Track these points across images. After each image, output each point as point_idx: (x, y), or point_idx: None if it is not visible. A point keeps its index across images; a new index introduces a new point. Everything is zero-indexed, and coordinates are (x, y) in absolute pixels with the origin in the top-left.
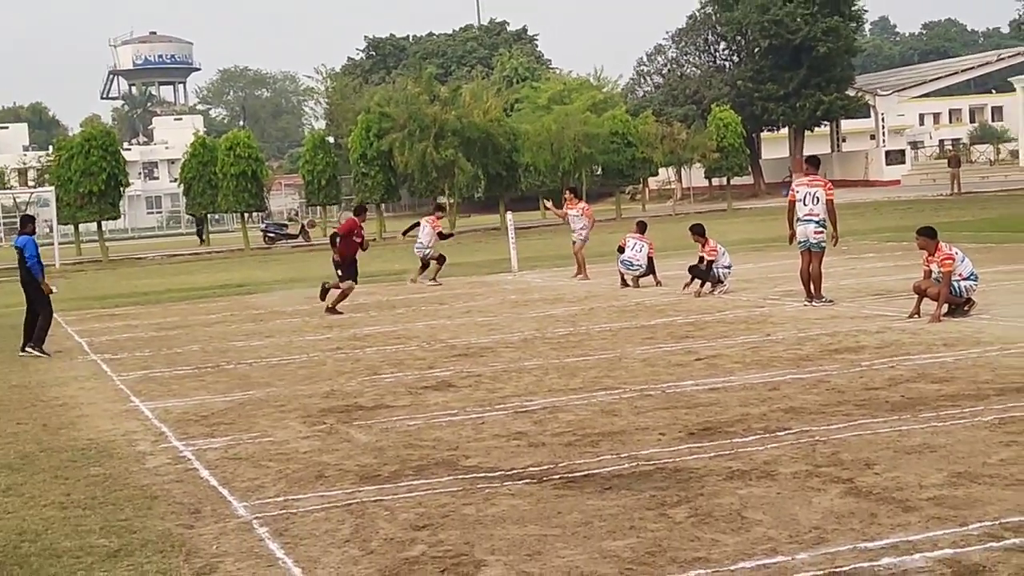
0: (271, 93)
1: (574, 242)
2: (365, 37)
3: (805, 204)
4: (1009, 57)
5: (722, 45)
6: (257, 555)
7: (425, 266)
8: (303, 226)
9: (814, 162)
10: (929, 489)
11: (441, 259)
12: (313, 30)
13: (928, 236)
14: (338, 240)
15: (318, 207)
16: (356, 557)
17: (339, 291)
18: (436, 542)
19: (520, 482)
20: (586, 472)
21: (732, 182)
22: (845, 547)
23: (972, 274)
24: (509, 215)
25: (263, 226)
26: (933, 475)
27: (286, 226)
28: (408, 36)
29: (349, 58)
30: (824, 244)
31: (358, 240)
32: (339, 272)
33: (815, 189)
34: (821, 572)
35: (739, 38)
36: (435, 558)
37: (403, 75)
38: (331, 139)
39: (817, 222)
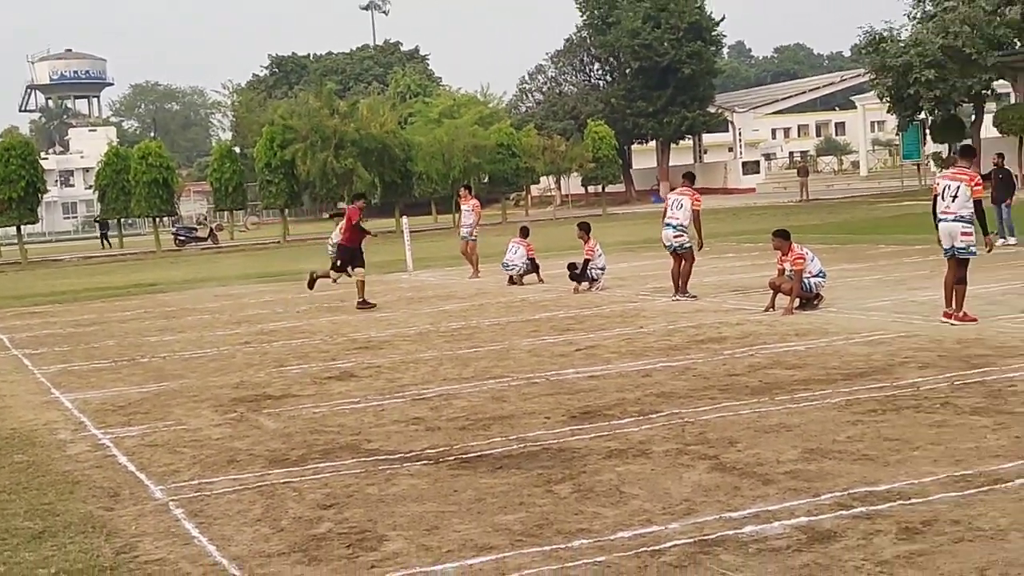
0: (180, 106)
1: (463, 239)
2: (269, 55)
3: (673, 209)
4: (850, 78)
5: (596, 66)
6: (174, 534)
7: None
8: (211, 229)
9: (690, 177)
10: (786, 464)
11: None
12: (220, 48)
13: (782, 238)
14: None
15: (225, 212)
16: (267, 535)
17: (357, 286)
18: (341, 520)
19: (418, 463)
20: (479, 453)
21: (606, 189)
22: (712, 517)
23: (820, 271)
24: (404, 219)
25: (174, 229)
26: (789, 451)
27: (195, 229)
28: (309, 54)
29: (254, 74)
30: (688, 246)
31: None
32: (338, 263)
33: (682, 198)
34: (691, 540)
35: (612, 60)
36: (341, 534)
37: (305, 90)
38: (237, 149)
39: (676, 226)
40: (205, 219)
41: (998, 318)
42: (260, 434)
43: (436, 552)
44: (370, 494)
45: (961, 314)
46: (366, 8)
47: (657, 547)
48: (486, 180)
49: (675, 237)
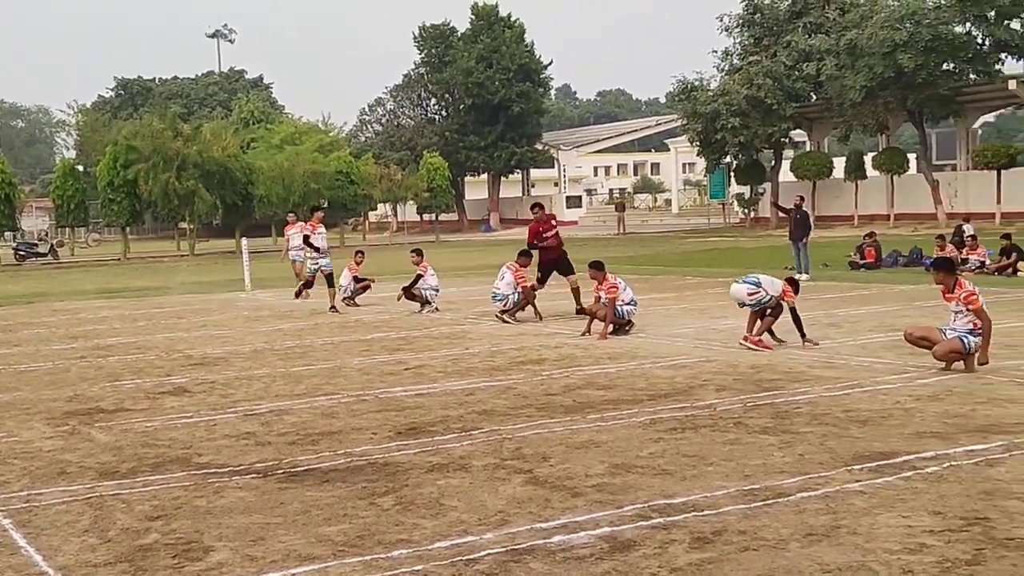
0: (25, 124)
1: (294, 261)
2: (115, 77)
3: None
4: (665, 123)
5: (433, 101)
6: (1, 545)
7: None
8: (52, 245)
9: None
10: (593, 478)
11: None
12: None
13: (597, 268)
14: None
15: (67, 228)
16: (94, 545)
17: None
18: (169, 531)
19: (247, 476)
20: (307, 467)
21: (440, 218)
22: (524, 527)
23: (632, 300)
24: (244, 240)
25: (14, 244)
26: (597, 466)
27: (36, 245)
28: (155, 78)
29: (100, 95)
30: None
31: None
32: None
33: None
34: (503, 549)
35: (447, 96)
36: (167, 545)
37: (149, 112)
38: (81, 167)
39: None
40: (46, 235)
41: (788, 346)
42: (91, 447)
43: (260, 562)
44: (198, 506)
45: (756, 339)
46: (212, 36)
47: (472, 556)
48: (325, 205)
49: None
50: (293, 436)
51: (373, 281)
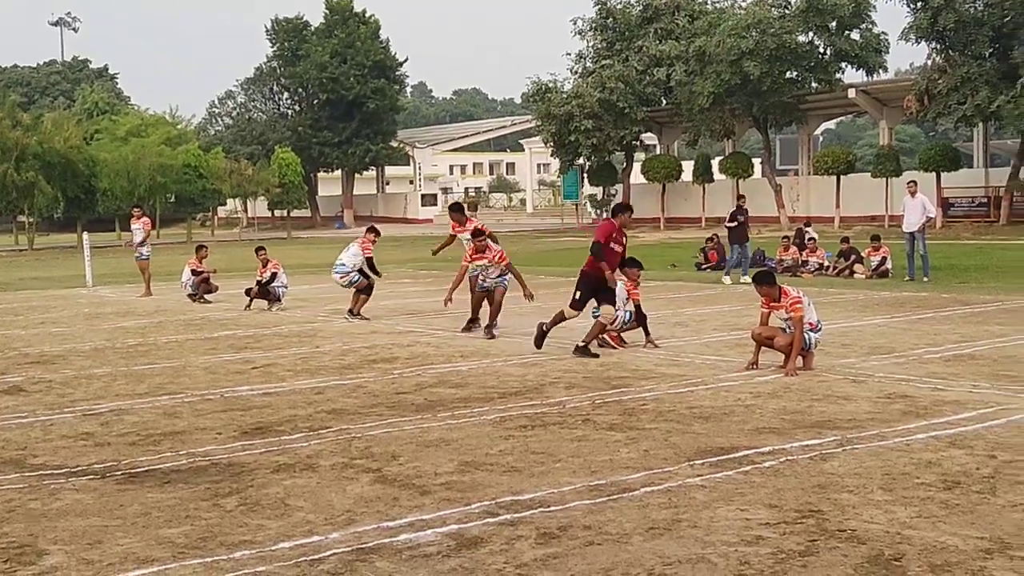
0: None
1: (138, 257)
2: None
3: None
4: (520, 123)
5: (286, 95)
6: None
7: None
8: None
9: (457, 208)
10: (443, 476)
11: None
12: None
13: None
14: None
15: None
16: None
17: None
18: (1, 535)
19: (85, 478)
20: (147, 468)
21: (292, 214)
22: (371, 526)
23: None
24: (86, 235)
25: None
26: (446, 464)
27: None
28: None
29: None
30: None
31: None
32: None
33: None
34: (349, 548)
35: (301, 90)
36: None
37: None
38: None
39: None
40: None
41: (636, 343)
42: None
43: (97, 565)
44: (33, 509)
45: (615, 334)
46: (55, 24)
47: (317, 556)
48: (172, 200)
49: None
50: (134, 436)
51: (213, 272)
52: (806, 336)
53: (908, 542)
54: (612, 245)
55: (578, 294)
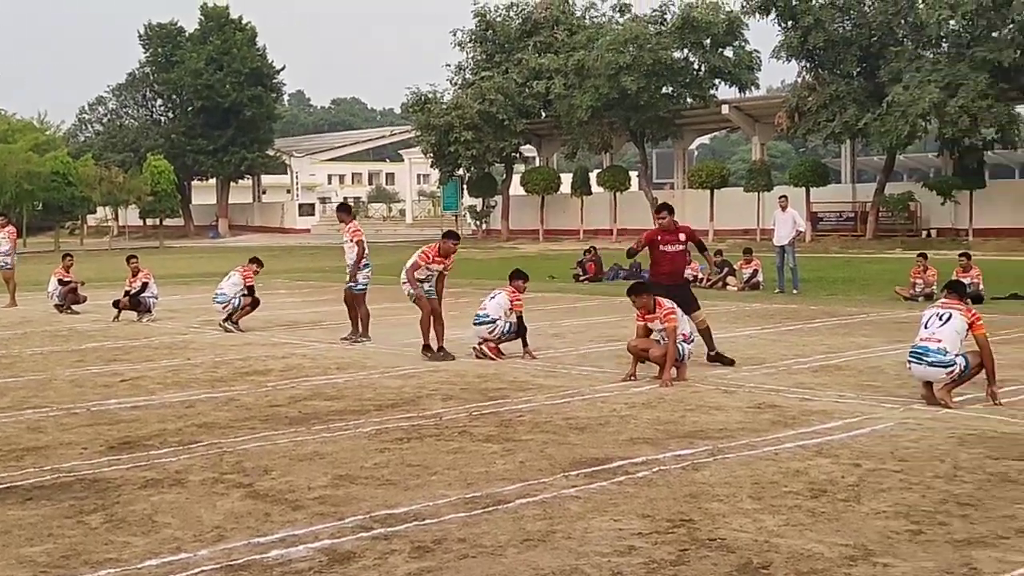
0: None
1: (2, 267)
2: None
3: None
4: (400, 133)
5: (159, 102)
6: None
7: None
8: None
9: (345, 209)
10: (316, 490)
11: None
12: None
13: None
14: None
15: None
16: None
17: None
18: None
19: None
20: (8, 485)
21: (165, 223)
22: (241, 543)
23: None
24: None
25: None
26: (320, 478)
27: None
28: None
29: None
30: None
31: None
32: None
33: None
34: (218, 565)
35: (175, 97)
36: None
37: None
38: None
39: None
40: None
41: (514, 355)
42: None
43: None
44: None
45: (494, 346)
46: None
47: (185, 574)
48: (40, 207)
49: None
50: None
51: (81, 283)
52: (679, 347)
53: (776, 550)
54: (663, 248)
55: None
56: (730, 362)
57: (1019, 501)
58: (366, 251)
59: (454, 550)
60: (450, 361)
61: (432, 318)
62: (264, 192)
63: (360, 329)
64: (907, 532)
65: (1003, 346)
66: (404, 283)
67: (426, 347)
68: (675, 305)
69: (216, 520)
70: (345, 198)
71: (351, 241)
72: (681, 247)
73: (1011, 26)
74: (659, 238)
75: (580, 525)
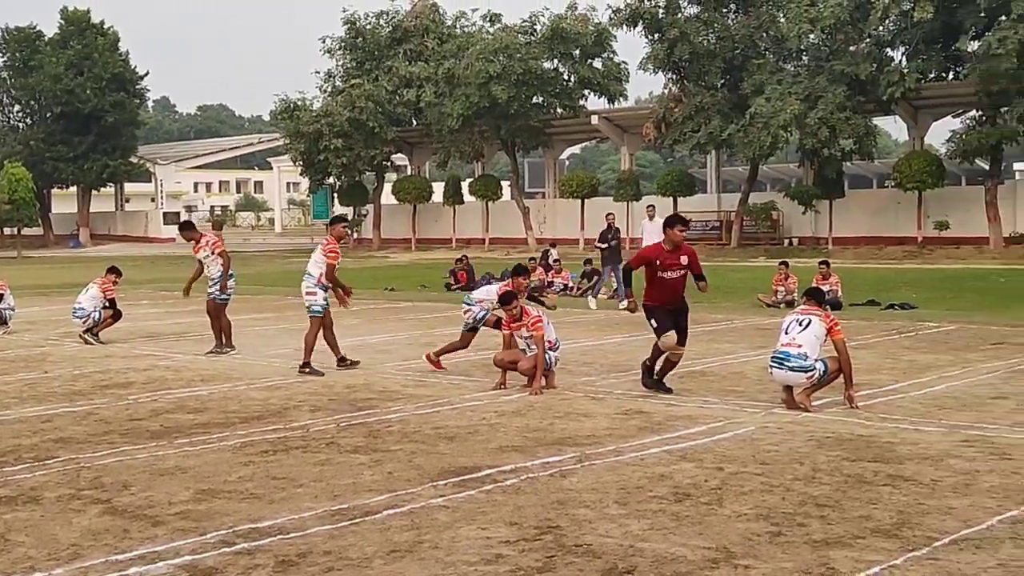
0: None
1: None
2: None
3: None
4: (268, 141)
5: (16, 108)
6: None
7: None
8: None
9: (340, 219)
10: (177, 505)
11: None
12: None
13: (507, 302)
14: None
15: None
16: None
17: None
18: None
19: None
20: None
21: (23, 232)
22: (98, 560)
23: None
24: None
25: None
26: (182, 493)
27: None
28: None
29: None
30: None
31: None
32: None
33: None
34: None
35: (33, 103)
36: None
37: None
38: None
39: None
40: None
41: (384, 364)
42: None
43: None
44: None
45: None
46: None
47: None
48: None
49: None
50: None
51: None
52: (547, 355)
53: (640, 554)
54: (663, 274)
55: (654, 323)
56: (668, 390)
57: (874, 501)
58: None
59: (319, 563)
60: (355, 368)
61: (324, 329)
62: (127, 200)
63: (224, 340)
64: (767, 533)
65: (860, 351)
66: (311, 293)
67: (305, 364)
68: (542, 312)
69: (72, 537)
70: (212, 207)
71: (213, 255)
72: (682, 273)
73: (867, 40)
74: (659, 261)
75: (448, 534)
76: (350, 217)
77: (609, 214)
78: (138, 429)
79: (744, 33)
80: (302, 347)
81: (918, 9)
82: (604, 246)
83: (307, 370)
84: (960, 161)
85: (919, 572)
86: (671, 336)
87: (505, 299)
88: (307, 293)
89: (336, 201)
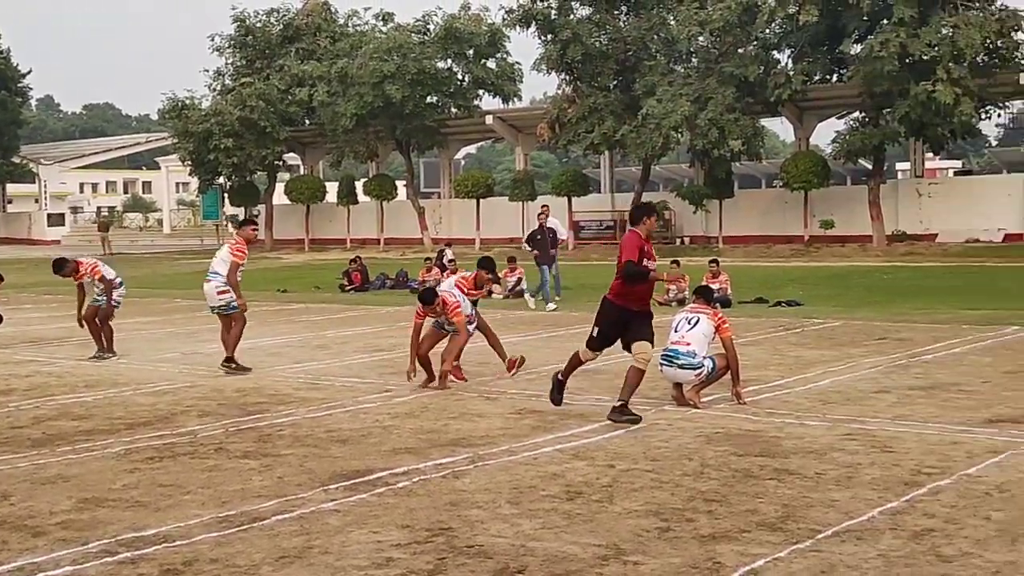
0: None
1: None
2: None
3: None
4: (156, 140)
5: None
6: None
7: None
8: None
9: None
10: (59, 515)
11: None
12: None
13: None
14: None
15: None
16: None
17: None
18: None
19: None
20: None
21: None
22: None
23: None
24: None
25: None
26: (64, 502)
27: None
28: None
29: None
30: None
31: None
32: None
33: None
34: None
35: None
36: None
37: None
38: None
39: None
40: None
41: (276, 367)
42: None
43: None
44: None
45: (233, 365)
46: None
47: None
48: None
49: (220, 294)
50: None
51: None
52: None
53: (532, 554)
54: (646, 262)
55: (595, 330)
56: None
57: (760, 495)
58: (111, 277)
59: (206, 571)
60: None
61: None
62: (10, 202)
63: (105, 345)
64: (656, 530)
65: (748, 347)
66: (224, 292)
67: (229, 359)
68: (457, 296)
69: None
70: (98, 208)
71: (94, 280)
72: (655, 263)
73: (755, 43)
74: (646, 250)
75: (338, 539)
76: (243, 217)
77: (541, 211)
78: (19, 437)
79: (636, 35)
80: (223, 346)
81: (803, 12)
82: (531, 249)
83: (233, 366)
84: (844, 161)
85: (802, 564)
86: (645, 346)
87: (425, 298)
88: (219, 292)
89: (227, 201)
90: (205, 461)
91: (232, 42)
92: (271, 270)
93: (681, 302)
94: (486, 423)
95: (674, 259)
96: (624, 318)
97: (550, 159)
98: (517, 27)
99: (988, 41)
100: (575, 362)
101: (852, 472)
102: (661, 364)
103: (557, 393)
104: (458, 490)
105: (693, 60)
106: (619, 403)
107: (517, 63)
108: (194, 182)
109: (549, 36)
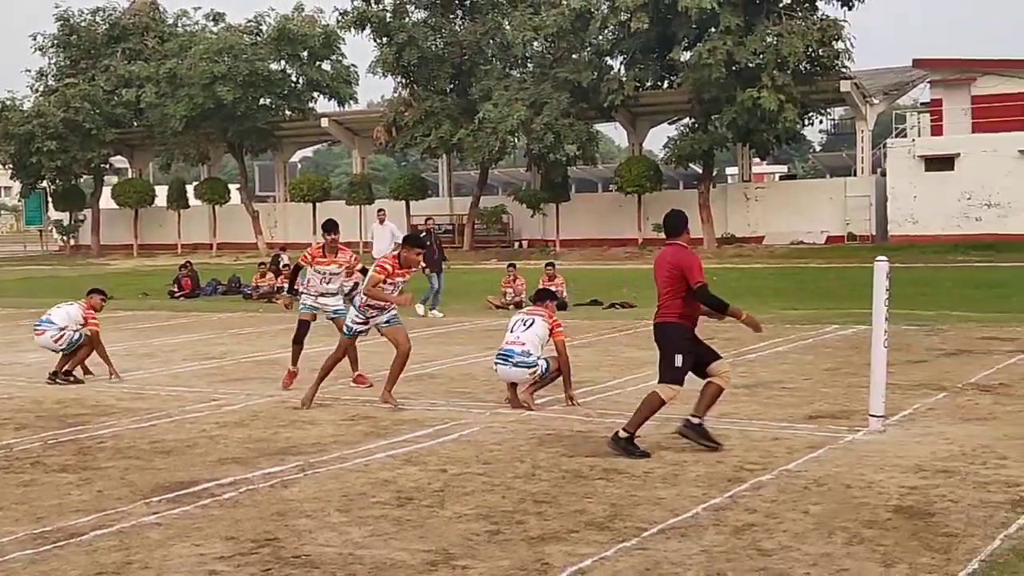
0: None
1: None
2: None
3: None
4: None
5: None
6: None
7: None
8: None
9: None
10: None
11: None
12: None
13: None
14: None
15: None
16: None
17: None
18: None
19: None
20: None
21: None
22: None
23: None
24: None
25: None
26: None
27: None
28: None
29: None
30: None
31: None
32: None
33: None
34: None
35: None
36: None
37: None
38: None
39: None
40: None
41: (98, 377)
42: None
43: None
44: None
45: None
46: None
47: None
48: None
49: None
50: None
51: None
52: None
53: (360, 562)
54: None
55: (678, 359)
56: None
57: (589, 495)
58: None
59: None
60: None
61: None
62: None
63: None
64: (486, 533)
65: (581, 349)
66: (60, 339)
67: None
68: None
69: None
70: None
71: None
72: None
73: (588, 49)
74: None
75: (159, 553)
76: (67, 223)
77: (425, 225)
78: None
79: (471, 39)
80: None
81: (635, 20)
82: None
83: (71, 379)
84: (676, 166)
85: (628, 562)
86: (676, 389)
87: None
88: (56, 340)
89: (51, 205)
90: (20, 476)
91: (55, 41)
92: (98, 276)
93: (519, 304)
94: (317, 430)
95: (510, 262)
96: (693, 338)
97: (389, 162)
98: (352, 29)
99: (810, 49)
100: (656, 404)
101: (678, 470)
102: (496, 363)
103: (708, 439)
104: (286, 499)
105: (528, 65)
106: (625, 434)
107: (353, 65)
108: (16, 186)
109: (385, 39)
